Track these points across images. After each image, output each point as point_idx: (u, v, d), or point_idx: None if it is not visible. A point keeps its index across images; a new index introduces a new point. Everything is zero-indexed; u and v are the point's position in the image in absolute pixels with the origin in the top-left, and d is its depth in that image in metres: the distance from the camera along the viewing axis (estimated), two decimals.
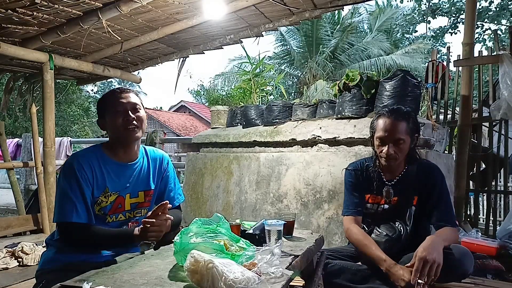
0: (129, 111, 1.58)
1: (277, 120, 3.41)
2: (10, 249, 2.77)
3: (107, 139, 1.68)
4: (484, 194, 3.76)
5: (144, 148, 1.76)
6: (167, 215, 1.47)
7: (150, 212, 1.47)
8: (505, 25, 13.17)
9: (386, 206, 1.96)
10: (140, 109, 1.63)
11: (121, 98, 1.60)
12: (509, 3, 12.86)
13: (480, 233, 2.81)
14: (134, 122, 1.58)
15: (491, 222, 3.43)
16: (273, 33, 14.86)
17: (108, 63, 3.97)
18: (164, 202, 1.47)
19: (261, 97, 5.37)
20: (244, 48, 5.22)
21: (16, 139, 6.79)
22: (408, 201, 1.91)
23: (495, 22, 13.50)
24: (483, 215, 4.33)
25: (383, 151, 1.85)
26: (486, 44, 13.50)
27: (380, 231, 1.89)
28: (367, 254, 1.83)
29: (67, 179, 1.51)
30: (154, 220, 1.44)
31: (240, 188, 3.42)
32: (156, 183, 1.75)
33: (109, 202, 1.58)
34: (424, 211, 1.92)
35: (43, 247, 2.73)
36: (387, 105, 2.62)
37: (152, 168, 1.74)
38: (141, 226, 1.48)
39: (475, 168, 3.60)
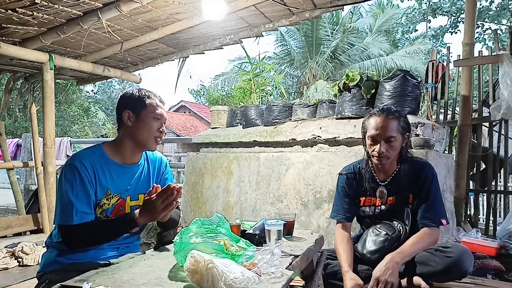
0: (163, 124, 1.63)
1: (277, 120, 3.41)
2: (10, 249, 2.78)
3: (107, 139, 1.67)
4: (484, 194, 3.76)
5: (145, 151, 1.74)
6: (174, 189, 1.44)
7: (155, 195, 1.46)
8: (505, 24, 13.18)
9: (383, 207, 1.96)
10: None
11: (161, 107, 1.63)
12: (510, 2, 12.87)
13: (480, 233, 2.81)
14: (162, 136, 1.63)
15: (491, 222, 3.43)
16: (273, 33, 14.85)
17: (108, 63, 3.97)
18: (171, 185, 1.44)
19: (261, 97, 5.37)
20: (244, 48, 5.20)
21: (16, 139, 6.78)
22: (404, 200, 1.92)
23: (496, 22, 13.51)
24: (483, 215, 4.33)
25: (375, 150, 1.86)
26: (487, 44, 13.51)
27: (380, 230, 1.90)
28: (337, 257, 1.92)
29: (69, 180, 1.48)
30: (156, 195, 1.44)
31: (240, 188, 3.42)
32: None
33: (111, 205, 1.57)
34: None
35: (43, 247, 2.73)
36: (387, 105, 2.62)
37: (152, 170, 1.73)
38: (141, 205, 1.48)
39: (475, 168, 3.59)
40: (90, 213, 1.49)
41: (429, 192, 1.88)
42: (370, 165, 1.98)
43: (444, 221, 1.85)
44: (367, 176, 1.98)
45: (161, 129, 1.62)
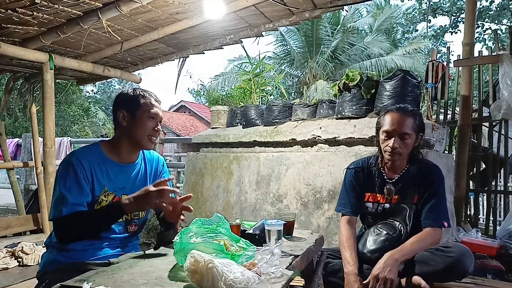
0: (159, 123, 1.64)
1: (277, 120, 3.41)
2: (10, 249, 2.78)
3: (107, 139, 1.68)
4: (484, 194, 3.76)
5: (142, 150, 1.75)
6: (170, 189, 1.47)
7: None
8: (505, 24, 13.18)
9: (386, 205, 1.96)
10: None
11: (157, 106, 1.63)
12: (510, 2, 12.87)
13: (480, 233, 2.81)
14: (157, 135, 1.64)
15: (491, 222, 3.43)
16: (273, 33, 14.82)
17: (108, 63, 3.97)
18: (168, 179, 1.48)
19: (261, 97, 5.36)
20: (244, 48, 5.19)
21: (16, 139, 6.78)
22: (409, 200, 1.92)
23: (496, 22, 13.51)
24: (483, 215, 4.33)
25: (389, 144, 1.86)
26: (487, 44, 13.51)
27: (381, 230, 1.90)
28: (342, 255, 1.89)
29: (62, 175, 1.49)
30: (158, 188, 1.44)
31: (240, 188, 3.42)
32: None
33: (109, 202, 1.58)
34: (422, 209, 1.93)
35: (43, 247, 2.73)
36: (387, 105, 2.62)
37: (149, 170, 1.74)
38: (133, 194, 1.47)
39: (475, 168, 3.59)
40: (81, 205, 1.48)
41: (436, 194, 1.88)
42: (380, 162, 1.99)
43: (446, 224, 1.85)
44: (376, 172, 1.98)
45: (156, 128, 1.62)
